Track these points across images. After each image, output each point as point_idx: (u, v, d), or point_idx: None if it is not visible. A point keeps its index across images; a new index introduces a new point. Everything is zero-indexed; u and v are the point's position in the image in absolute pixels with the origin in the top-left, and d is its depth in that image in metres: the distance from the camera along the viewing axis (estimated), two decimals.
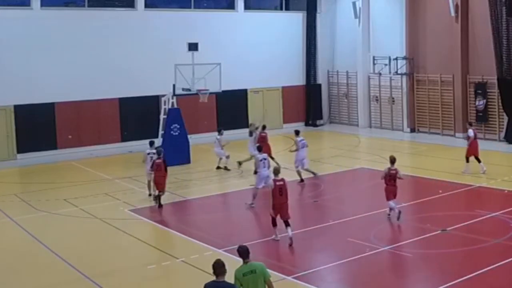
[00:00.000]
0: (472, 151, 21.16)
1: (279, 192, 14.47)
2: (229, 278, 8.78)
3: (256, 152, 18.94)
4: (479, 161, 21.11)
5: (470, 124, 22.40)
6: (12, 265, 13.94)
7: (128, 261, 13.97)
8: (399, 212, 15.78)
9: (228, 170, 22.81)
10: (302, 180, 20.74)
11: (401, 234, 15.20)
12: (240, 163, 22.65)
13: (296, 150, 20.98)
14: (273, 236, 14.77)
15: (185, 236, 15.49)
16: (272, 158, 21.73)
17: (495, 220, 15.72)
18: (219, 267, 8.41)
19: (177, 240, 15.43)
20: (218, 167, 23.09)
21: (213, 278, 8.45)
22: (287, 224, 14.53)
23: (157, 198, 18.31)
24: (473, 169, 21.11)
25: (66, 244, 15.14)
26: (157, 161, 18.44)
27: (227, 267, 8.47)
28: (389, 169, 16.25)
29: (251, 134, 22.79)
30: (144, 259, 13.87)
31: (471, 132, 21.31)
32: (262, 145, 21.61)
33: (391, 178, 16.10)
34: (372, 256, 13.59)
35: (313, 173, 21.23)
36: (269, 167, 18.17)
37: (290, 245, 14.33)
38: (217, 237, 15.33)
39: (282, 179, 14.67)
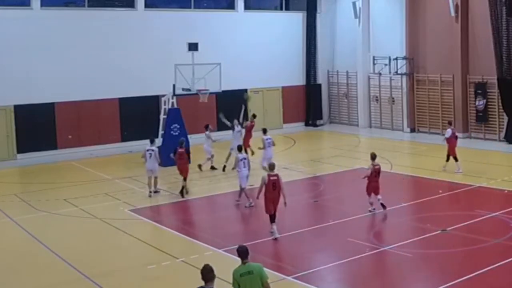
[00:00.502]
0: (451, 150, 21.46)
1: (273, 186, 14.84)
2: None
3: (237, 151, 19.05)
4: (448, 159, 21.48)
5: (449, 123, 22.75)
6: (12, 265, 13.93)
7: (128, 261, 13.97)
8: (374, 209, 16.67)
9: (215, 168, 22.89)
10: None
11: (401, 234, 15.17)
12: (224, 168, 22.69)
13: (263, 148, 21.18)
14: (272, 236, 14.81)
15: (185, 236, 15.49)
16: (249, 147, 22.70)
17: (495, 220, 15.72)
18: (207, 273, 8.19)
19: (177, 240, 15.42)
20: (213, 167, 23.06)
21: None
22: (274, 219, 14.94)
23: (182, 187, 19.27)
24: (450, 167, 21.36)
25: (66, 244, 15.14)
26: (180, 150, 19.42)
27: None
28: (373, 165, 16.86)
29: (233, 128, 22.97)
30: (144, 259, 13.85)
31: (449, 132, 21.58)
32: (248, 134, 22.69)
33: (377, 173, 16.77)
34: (372, 256, 13.60)
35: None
36: (249, 167, 18.60)
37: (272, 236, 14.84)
38: (217, 237, 15.34)
39: (276, 175, 15.05)
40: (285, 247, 14.58)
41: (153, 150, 19.58)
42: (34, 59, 26.79)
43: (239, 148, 19.13)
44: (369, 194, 16.83)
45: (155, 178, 19.64)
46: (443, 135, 21.66)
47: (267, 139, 21.25)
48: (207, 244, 14.55)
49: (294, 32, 34.64)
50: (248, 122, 23.72)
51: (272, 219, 14.91)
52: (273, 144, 21.50)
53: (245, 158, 18.41)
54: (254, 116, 24.29)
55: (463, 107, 28.65)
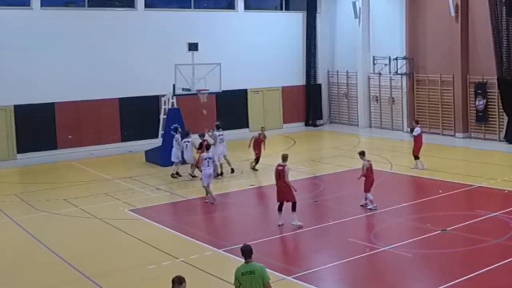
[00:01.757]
0: (417, 149, 21.99)
1: (278, 176, 15.72)
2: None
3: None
4: (416, 158, 22.07)
5: (417, 122, 23.24)
6: (12, 265, 13.93)
7: (128, 261, 13.96)
8: (376, 206, 16.87)
9: (181, 175, 21.97)
10: (222, 174, 21.77)
11: (401, 234, 15.17)
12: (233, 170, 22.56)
13: (213, 144, 21.52)
14: (294, 225, 15.42)
15: (185, 236, 15.49)
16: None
17: (495, 220, 15.72)
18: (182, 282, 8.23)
19: (177, 240, 15.42)
20: (176, 174, 22.00)
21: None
22: (292, 209, 15.47)
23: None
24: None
25: (66, 244, 15.14)
26: (204, 143, 20.71)
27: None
28: (367, 160, 17.22)
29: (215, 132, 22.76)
30: (144, 259, 13.85)
31: (418, 130, 22.05)
32: (258, 146, 22.58)
33: (372, 169, 17.16)
34: (372, 256, 13.60)
35: (230, 167, 22.24)
36: (213, 166, 19.14)
37: (280, 225, 15.51)
38: (217, 237, 15.36)
39: (283, 165, 15.67)
40: (285, 247, 14.59)
41: (189, 141, 21.52)
42: (34, 59, 26.78)
43: (207, 147, 19.33)
44: (367, 190, 16.99)
45: (192, 165, 21.48)
46: (408, 132, 22.02)
47: (219, 135, 21.99)
48: (207, 244, 14.56)
49: (294, 32, 34.63)
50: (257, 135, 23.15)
51: (279, 208, 15.63)
52: (223, 140, 22.32)
53: (209, 158, 18.65)
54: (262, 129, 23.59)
55: (463, 107, 28.64)
